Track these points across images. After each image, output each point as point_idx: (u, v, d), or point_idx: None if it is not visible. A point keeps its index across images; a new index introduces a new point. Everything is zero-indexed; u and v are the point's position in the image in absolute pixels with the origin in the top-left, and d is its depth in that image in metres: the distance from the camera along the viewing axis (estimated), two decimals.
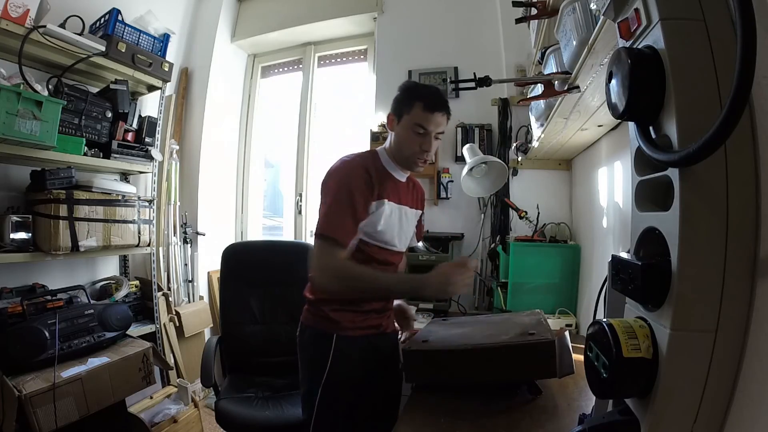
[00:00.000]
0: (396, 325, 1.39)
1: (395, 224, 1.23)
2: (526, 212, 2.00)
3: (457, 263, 1.13)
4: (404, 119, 1.19)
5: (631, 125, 0.53)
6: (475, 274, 2.20)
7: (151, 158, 2.19)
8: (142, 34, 2.11)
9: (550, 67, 1.24)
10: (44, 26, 1.68)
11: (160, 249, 2.43)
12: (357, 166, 1.17)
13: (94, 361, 1.60)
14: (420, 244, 2.18)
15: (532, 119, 1.79)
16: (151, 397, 2.12)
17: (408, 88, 1.23)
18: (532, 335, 1.08)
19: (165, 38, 2.23)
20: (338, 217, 1.11)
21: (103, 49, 1.90)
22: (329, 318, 1.19)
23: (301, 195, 2.89)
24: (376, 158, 1.24)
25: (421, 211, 1.43)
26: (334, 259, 1.11)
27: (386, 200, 1.18)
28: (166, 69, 2.21)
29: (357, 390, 1.20)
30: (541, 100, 1.36)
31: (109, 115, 2.01)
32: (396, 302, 1.38)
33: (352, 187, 1.13)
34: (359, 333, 1.21)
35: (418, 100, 1.17)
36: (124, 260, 2.39)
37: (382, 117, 2.53)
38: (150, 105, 2.42)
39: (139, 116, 2.22)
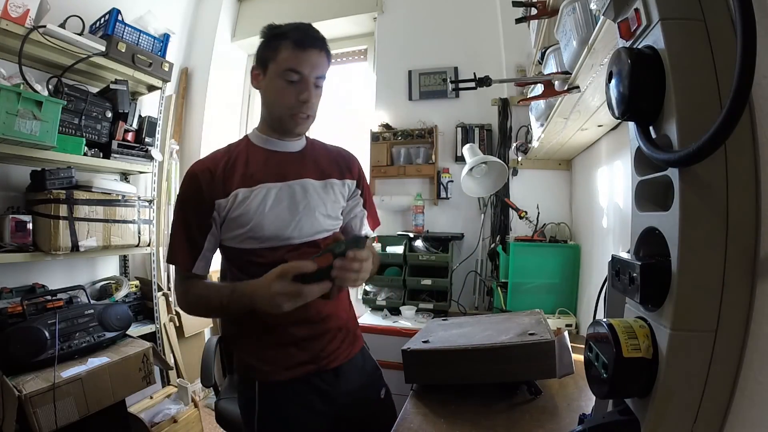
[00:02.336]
0: (360, 342, 1.09)
1: (282, 209, 0.95)
2: (526, 212, 2.00)
3: (279, 276, 0.81)
4: (271, 69, 0.94)
5: (631, 125, 0.53)
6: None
7: (151, 158, 2.19)
8: (142, 34, 2.11)
9: (550, 67, 1.24)
10: (44, 26, 1.68)
11: (160, 249, 2.43)
12: (191, 173, 0.95)
13: (94, 361, 1.60)
14: (420, 243, 2.18)
15: (532, 119, 1.79)
16: (151, 397, 2.12)
17: (270, 28, 0.97)
18: (532, 335, 1.08)
19: (165, 38, 2.23)
20: (175, 240, 0.96)
21: (103, 49, 1.90)
22: (246, 362, 0.97)
23: None
24: (240, 144, 1.01)
25: (352, 182, 1.08)
26: (181, 285, 0.98)
27: (241, 188, 0.93)
28: (166, 69, 2.21)
29: None
30: (541, 100, 1.36)
31: (109, 115, 2.01)
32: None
33: (183, 200, 0.96)
34: (288, 376, 0.94)
35: (284, 39, 0.93)
36: (124, 260, 2.39)
37: (382, 117, 2.53)
38: (150, 105, 2.42)
39: (139, 116, 2.22)
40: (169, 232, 1.00)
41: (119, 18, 2.00)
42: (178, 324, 2.43)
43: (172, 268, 2.52)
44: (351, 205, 1.10)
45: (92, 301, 1.84)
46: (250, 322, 0.95)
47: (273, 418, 0.94)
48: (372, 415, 1.06)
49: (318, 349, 0.97)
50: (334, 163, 1.06)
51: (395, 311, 2.10)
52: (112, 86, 2.06)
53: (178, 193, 0.99)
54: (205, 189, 0.92)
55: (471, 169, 1.75)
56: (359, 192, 1.11)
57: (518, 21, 1.53)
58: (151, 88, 2.29)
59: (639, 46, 0.52)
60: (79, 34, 1.85)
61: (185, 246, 0.95)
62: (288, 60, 0.92)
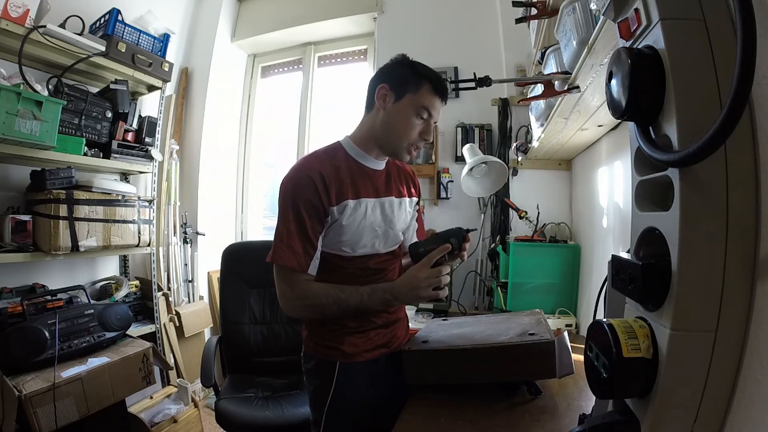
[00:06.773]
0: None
1: (376, 223, 1.07)
2: (526, 212, 2.00)
3: (424, 265, 1.01)
4: (407, 99, 1.03)
5: (631, 125, 0.53)
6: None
7: (151, 158, 2.19)
8: (142, 34, 2.11)
9: (550, 67, 1.24)
10: (44, 26, 1.68)
11: (160, 249, 2.43)
12: (304, 174, 1.00)
13: (94, 361, 1.60)
14: None
15: (532, 119, 1.79)
16: (151, 397, 2.12)
17: (414, 64, 1.07)
18: (532, 335, 1.08)
19: (165, 38, 2.23)
20: (287, 240, 0.98)
21: (103, 49, 1.90)
22: (328, 345, 1.08)
23: None
24: (337, 152, 1.08)
25: (416, 199, 1.22)
26: (291, 286, 1.00)
27: (350, 199, 1.02)
28: (166, 69, 2.21)
29: (363, 414, 1.09)
30: (541, 100, 1.36)
31: (109, 115, 2.01)
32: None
33: (298, 201, 0.99)
34: (366, 357, 1.09)
35: (427, 80, 1.03)
36: (124, 260, 2.39)
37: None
38: (150, 105, 2.42)
39: (139, 116, 2.22)
40: (276, 231, 1.01)
41: (119, 18, 2.00)
42: (178, 324, 2.43)
43: (172, 268, 2.52)
44: (411, 217, 1.23)
45: (92, 301, 1.84)
46: None
47: (347, 394, 1.06)
48: (402, 400, 1.14)
49: (391, 335, 1.15)
50: (404, 182, 1.18)
51: None
52: (112, 86, 2.06)
53: (287, 192, 1.01)
54: (321, 192, 0.99)
55: (471, 169, 1.75)
56: (417, 207, 1.24)
57: (518, 21, 1.53)
58: (151, 88, 2.29)
59: (639, 46, 0.52)
60: (79, 34, 1.85)
61: (301, 246, 0.99)
62: (426, 99, 1.03)
